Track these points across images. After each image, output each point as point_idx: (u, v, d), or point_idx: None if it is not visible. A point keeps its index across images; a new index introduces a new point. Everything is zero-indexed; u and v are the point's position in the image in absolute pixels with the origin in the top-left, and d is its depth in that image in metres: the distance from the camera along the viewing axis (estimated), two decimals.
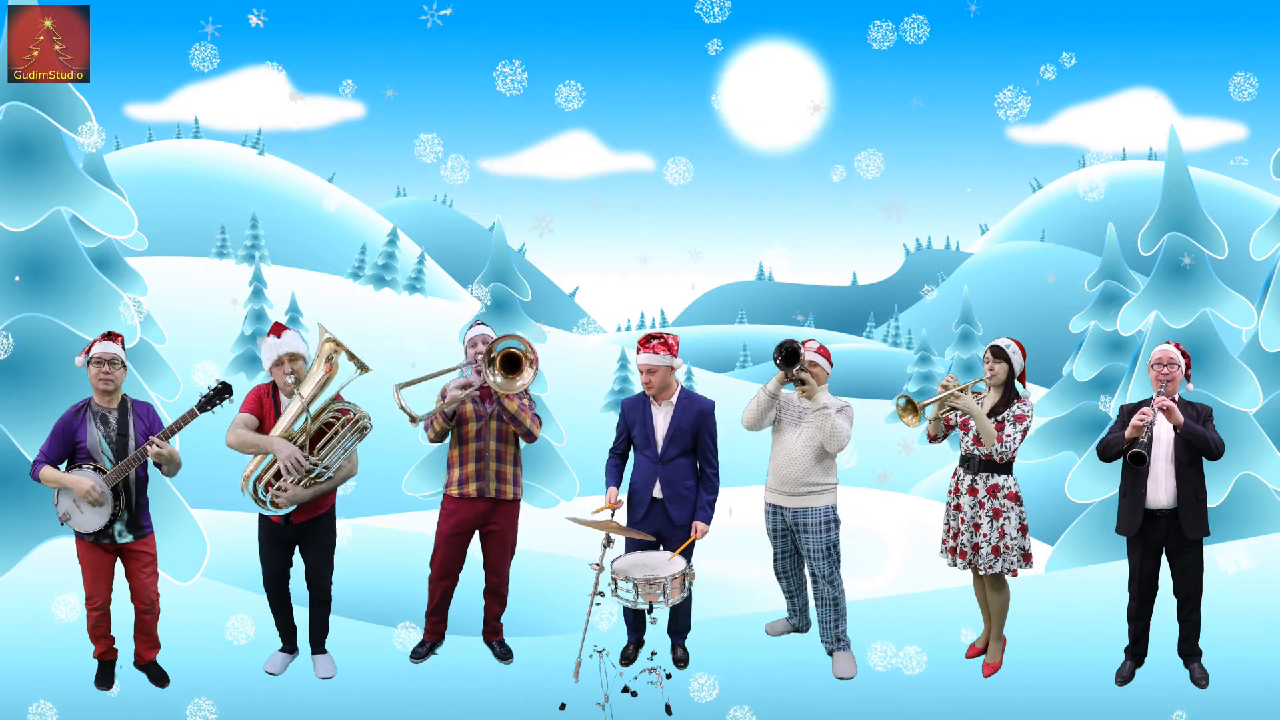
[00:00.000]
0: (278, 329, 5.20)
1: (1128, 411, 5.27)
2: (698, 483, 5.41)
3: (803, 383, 5.19)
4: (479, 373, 5.23)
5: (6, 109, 8.21)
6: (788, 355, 5.14)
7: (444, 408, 5.28)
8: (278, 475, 5.06)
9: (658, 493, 5.35)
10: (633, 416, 5.45)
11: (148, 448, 4.91)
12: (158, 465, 5.04)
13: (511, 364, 5.12)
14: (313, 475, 5.05)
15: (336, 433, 5.11)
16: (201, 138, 39.05)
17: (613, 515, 5.36)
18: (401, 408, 5.05)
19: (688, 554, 5.24)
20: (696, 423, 5.36)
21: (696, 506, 5.37)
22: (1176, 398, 5.14)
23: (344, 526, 5.91)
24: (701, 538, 5.33)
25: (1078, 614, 6.13)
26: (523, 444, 5.55)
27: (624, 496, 5.45)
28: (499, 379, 5.10)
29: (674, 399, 5.38)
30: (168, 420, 5.26)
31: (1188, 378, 5.20)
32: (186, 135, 39.07)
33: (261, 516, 5.23)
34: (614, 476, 5.49)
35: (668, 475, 5.34)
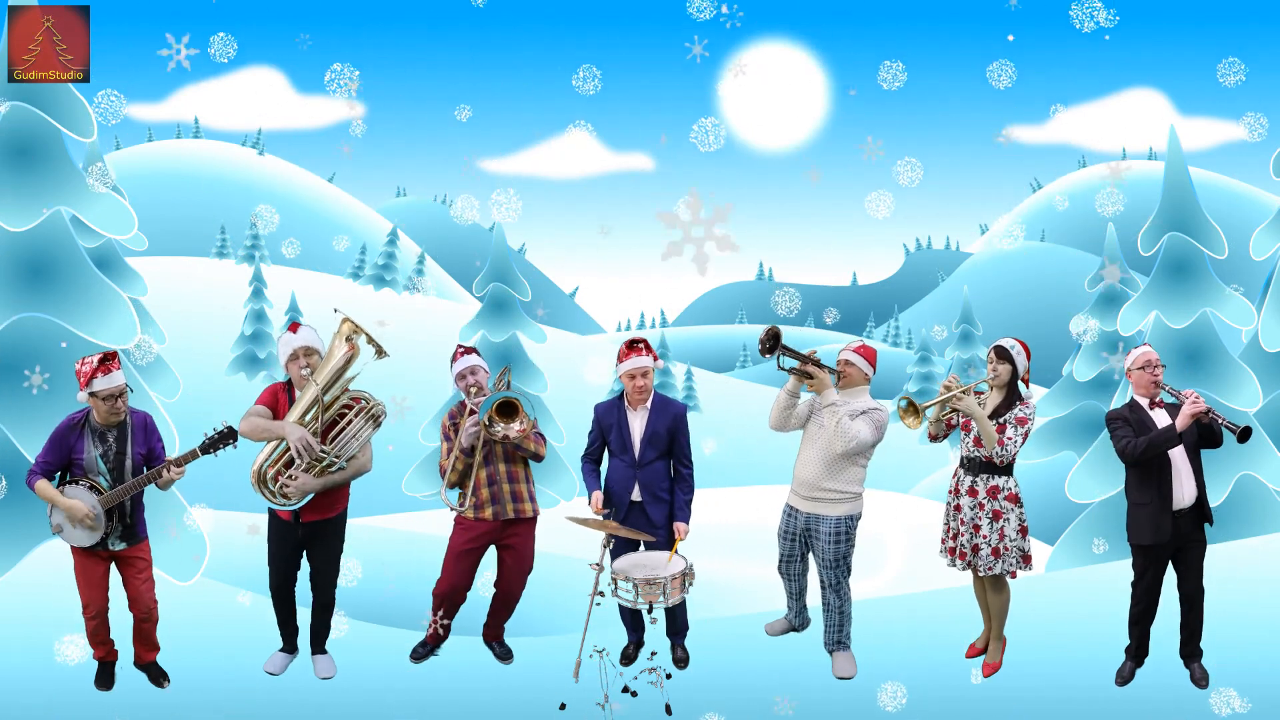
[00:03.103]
0: (294, 326, 5.17)
1: (1126, 414, 5.18)
2: (674, 483, 5.44)
3: (810, 376, 5.11)
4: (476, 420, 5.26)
5: (7, 109, 8.21)
6: (771, 341, 4.96)
7: (463, 446, 5.27)
8: (289, 465, 5.02)
9: (636, 496, 5.38)
10: (608, 421, 5.45)
11: (163, 473, 4.86)
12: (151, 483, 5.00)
13: (508, 409, 5.18)
14: (324, 464, 5.04)
15: (350, 422, 5.08)
16: (201, 138, 39.06)
17: (612, 515, 5.38)
18: (449, 504, 5.23)
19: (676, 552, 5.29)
20: (672, 426, 5.40)
21: (675, 507, 5.40)
22: (1159, 399, 5.14)
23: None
24: (684, 538, 5.35)
25: (1078, 614, 6.12)
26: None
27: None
28: (500, 426, 5.17)
29: (649, 403, 5.41)
30: (171, 429, 5.24)
31: None
32: (186, 135, 39.08)
33: (271, 516, 5.21)
34: (594, 481, 5.52)
35: (646, 479, 5.36)
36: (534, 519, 5.51)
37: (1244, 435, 4.87)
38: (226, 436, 4.93)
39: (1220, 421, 4.94)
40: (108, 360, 4.88)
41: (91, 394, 4.85)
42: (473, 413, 5.28)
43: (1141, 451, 4.96)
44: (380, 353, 5.07)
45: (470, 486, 5.34)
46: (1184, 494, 5.04)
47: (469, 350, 5.46)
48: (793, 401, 5.29)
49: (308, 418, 5.01)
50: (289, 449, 4.99)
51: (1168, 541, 5.07)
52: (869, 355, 5.33)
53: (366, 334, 5.05)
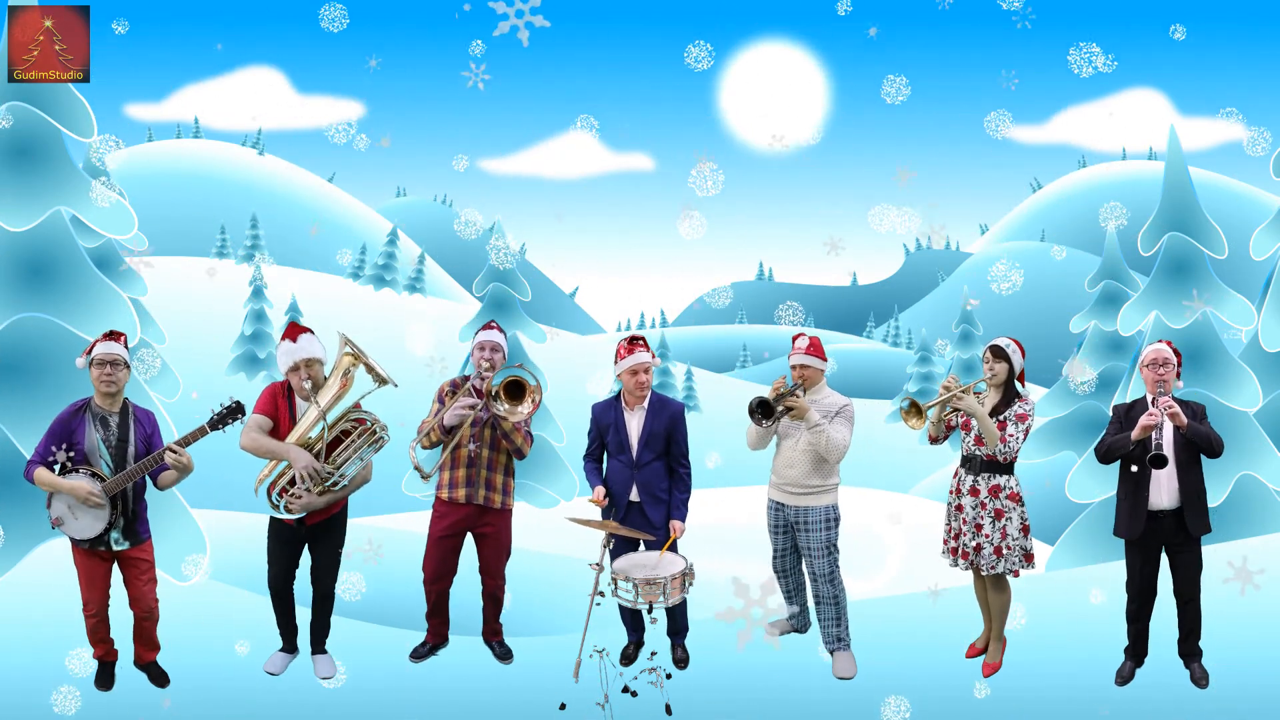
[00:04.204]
0: (294, 332, 5.12)
1: (1122, 411, 5.25)
2: (671, 483, 5.45)
3: (790, 409, 5.20)
4: (479, 393, 5.24)
5: (6, 109, 8.21)
6: (762, 410, 5.14)
7: (444, 421, 5.25)
8: (292, 482, 5.03)
9: (634, 496, 5.38)
10: (605, 421, 5.47)
11: (165, 454, 4.84)
12: (152, 476, 4.98)
13: (516, 390, 5.16)
14: (328, 483, 5.05)
15: (353, 442, 5.09)
16: (201, 138, 39.07)
17: (611, 515, 5.39)
18: (416, 467, 5.11)
19: (671, 551, 5.32)
20: (670, 426, 5.41)
21: (671, 506, 5.41)
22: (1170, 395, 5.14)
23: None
24: (680, 536, 5.35)
25: (1078, 614, 6.13)
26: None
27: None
28: (504, 406, 5.15)
29: (645, 403, 5.41)
30: (172, 429, 5.24)
31: (1178, 375, 5.18)
32: (186, 135, 39.09)
33: (273, 516, 5.23)
34: (596, 477, 5.54)
35: (644, 479, 5.37)
36: (506, 511, 5.50)
37: (1153, 461, 4.83)
38: (234, 412, 4.93)
39: (1156, 440, 4.92)
40: (114, 334, 5.02)
41: (90, 361, 4.92)
42: (468, 393, 5.27)
43: (1104, 453, 5.16)
44: (381, 382, 5.05)
45: (445, 459, 5.36)
46: (1162, 496, 5.06)
47: (497, 328, 5.48)
48: (770, 427, 5.40)
49: (312, 435, 5.02)
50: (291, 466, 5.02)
51: (1140, 539, 5.11)
52: (818, 349, 5.39)
53: (366, 364, 5.04)
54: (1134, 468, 5.07)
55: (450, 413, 5.23)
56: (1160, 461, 4.82)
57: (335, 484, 5.07)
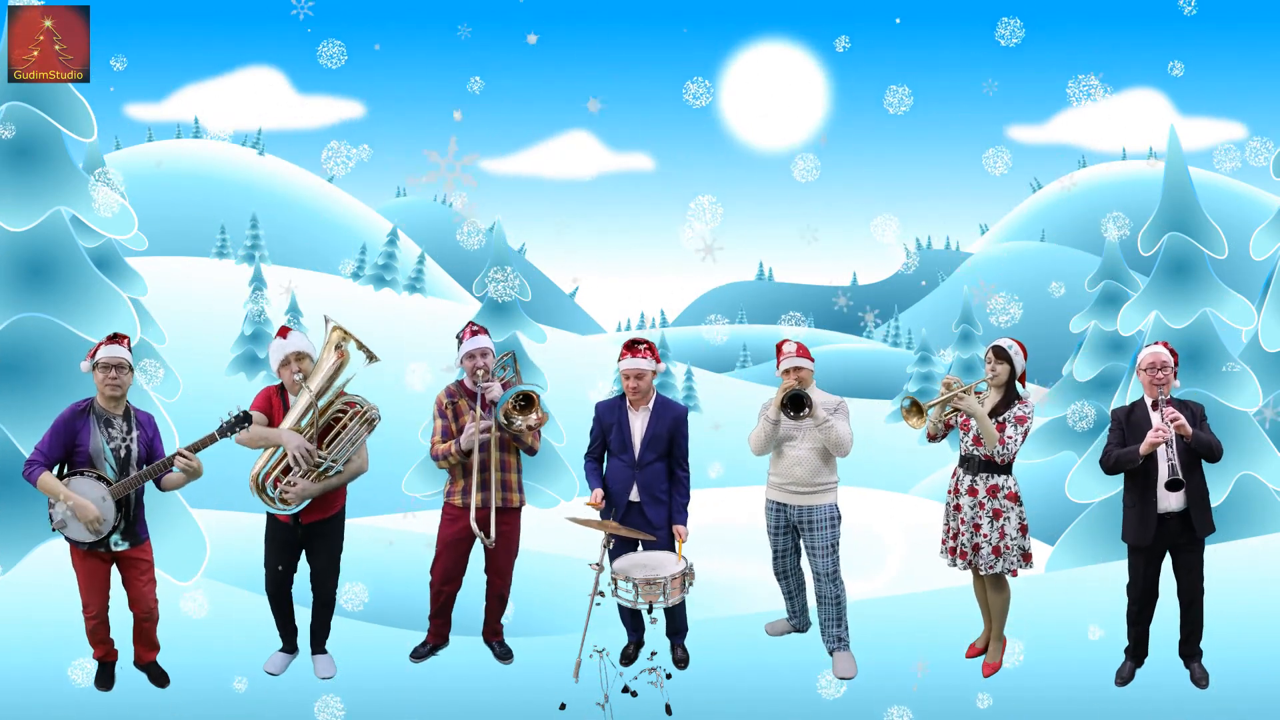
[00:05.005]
0: (283, 331, 5.20)
1: (1121, 416, 5.23)
2: (671, 486, 5.44)
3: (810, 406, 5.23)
4: (485, 405, 5.27)
5: (6, 109, 8.21)
6: (795, 403, 5.17)
7: (464, 446, 5.28)
8: (286, 471, 5.05)
9: (635, 496, 5.39)
10: (609, 421, 5.46)
11: (176, 459, 4.84)
12: (155, 479, 4.96)
13: (525, 403, 5.22)
14: (322, 469, 5.06)
15: (345, 426, 5.12)
16: (201, 138, 39.07)
17: (611, 515, 5.39)
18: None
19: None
20: (673, 428, 5.41)
21: (673, 510, 5.41)
22: (1169, 398, 5.14)
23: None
24: (685, 540, 5.35)
25: (1078, 614, 6.13)
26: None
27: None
28: (520, 420, 5.21)
29: (650, 405, 5.42)
30: (173, 431, 5.25)
31: (1174, 375, 5.17)
32: (186, 135, 39.09)
33: (270, 518, 5.22)
34: (596, 479, 5.54)
35: (645, 480, 5.37)
36: (519, 509, 5.52)
37: (1170, 486, 4.82)
38: (243, 420, 4.93)
39: (1171, 460, 4.87)
40: (118, 336, 5.02)
41: (94, 364, 4.90)
42: (483, 416, 5.28)
43: (1111, 465, 5.14)
44: (371, 358, 5.10)
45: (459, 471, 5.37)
46: (1170, 501, 5.05)
47: (480, 330, 5.44)
48: (778, 428, 5.42)
49: (303, 423, 5.05)
50: (286, 456, 5.02)
51: (1150, 544, 5.10)
52: (807, 353, 5.43)
53: (356, 340, 5.10)
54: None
55: (468, 438, 5.26)
56: (1177, 486, 4.81)
57: (329, 470, 5.08)
